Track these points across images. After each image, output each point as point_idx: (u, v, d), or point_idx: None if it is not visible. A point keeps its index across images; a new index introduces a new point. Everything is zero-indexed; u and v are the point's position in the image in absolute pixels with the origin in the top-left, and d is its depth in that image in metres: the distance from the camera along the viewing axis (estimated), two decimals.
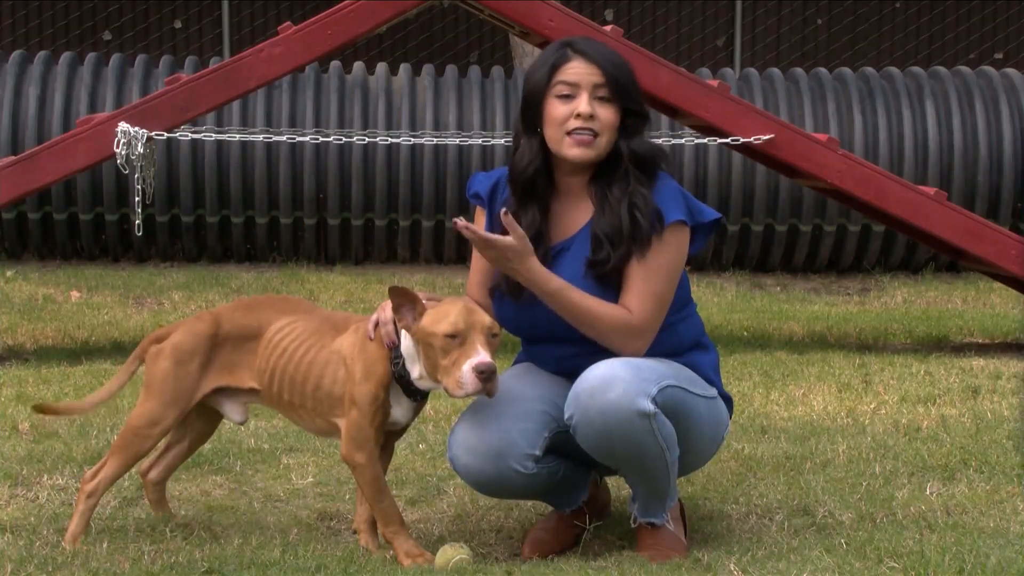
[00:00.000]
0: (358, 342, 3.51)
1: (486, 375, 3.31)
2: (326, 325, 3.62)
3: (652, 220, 3.44)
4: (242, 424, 3.79)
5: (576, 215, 3.56)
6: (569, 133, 3.46)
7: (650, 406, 3.35)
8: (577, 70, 3.48)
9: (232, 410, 3.70)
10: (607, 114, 3.47)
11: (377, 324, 3.49)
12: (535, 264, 3.40)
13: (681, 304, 3.58)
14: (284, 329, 3.61)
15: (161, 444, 3.79)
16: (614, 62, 3.50)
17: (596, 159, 3.49)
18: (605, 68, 3.47)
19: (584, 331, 3.45)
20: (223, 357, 3.63)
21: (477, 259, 3.66)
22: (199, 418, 3.79)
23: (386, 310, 3.47)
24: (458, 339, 3.34)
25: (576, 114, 3.45)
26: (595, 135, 3.46)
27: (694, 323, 3.65)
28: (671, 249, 3.48)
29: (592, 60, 3.48)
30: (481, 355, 3.32)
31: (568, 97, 3.47)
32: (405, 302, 3.41)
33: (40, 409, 3.89)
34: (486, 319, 3.39)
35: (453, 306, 3.39)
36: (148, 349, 3.67)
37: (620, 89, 3.48)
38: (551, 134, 3.50)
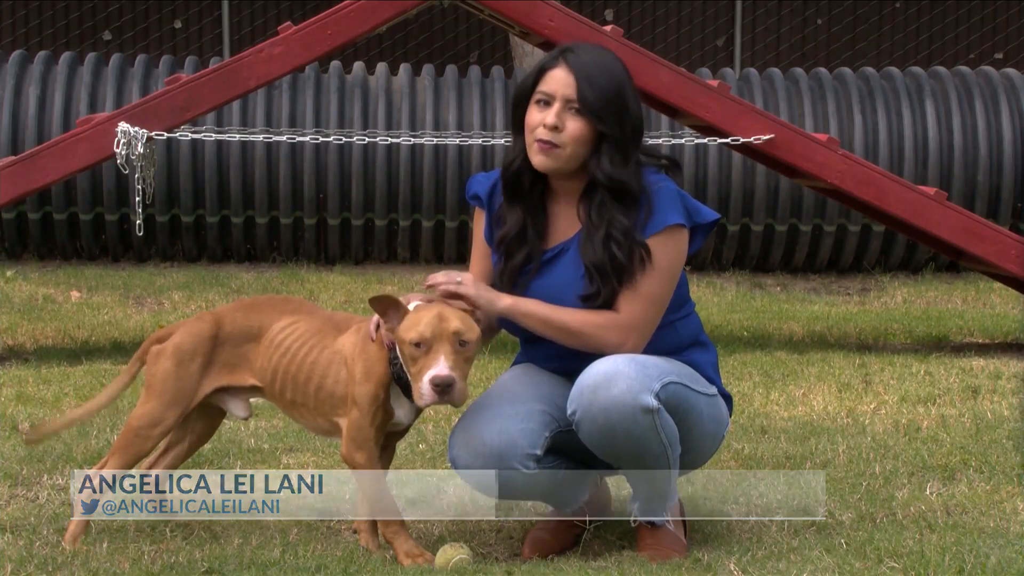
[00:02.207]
0: (359, 342, 3.51)
1: (441, 388, 3.29)
2: (328, 325, 3.62)
3: (632, 249, 3.44)
4: (246, 419, 3.78)
5: (575, 218, 3.56)
6: (538, 140, 3.48)
7: (653, 402, 3.35)
8: (556, 80, 3.49)
9: (236, 406, 3.71)
10: (574, 127, 3.47)
11: (379, 325, 3.49)
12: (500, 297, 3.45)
13: (680, 303, 3.59)
14: (286, 329, 3.62)
15: (161, 444, 3.79)
16: (593, 80, 3.47)
17: (559, 169, 3.50)
18: (580, 83, 3.47)
19: (574, 345, 3.46)
20: (224, 357, 3.64)
21: (476, 259, 3.68)
22: (199, 418, 3.79)
23: None
24: (423, 347, 3.32)
25: (543, 123, 3.47)
26: (555, 146, 3.47)
27: (693, 321, 3.66)
28: (668, 251, 3.48)
29: (573, 72, 3.48)
30: (440, 367, 3.29)
31: (545, 105, 3.49)
32: (389, 307, 3.41)
33: (34, 439, 3.95)
34: (454, 326, 3.33)
35: (427, 313, 3.36)
36: (149, 350, 3.68)
37: (590, 108, 3.46)
38: (525, 137, 3.53)
